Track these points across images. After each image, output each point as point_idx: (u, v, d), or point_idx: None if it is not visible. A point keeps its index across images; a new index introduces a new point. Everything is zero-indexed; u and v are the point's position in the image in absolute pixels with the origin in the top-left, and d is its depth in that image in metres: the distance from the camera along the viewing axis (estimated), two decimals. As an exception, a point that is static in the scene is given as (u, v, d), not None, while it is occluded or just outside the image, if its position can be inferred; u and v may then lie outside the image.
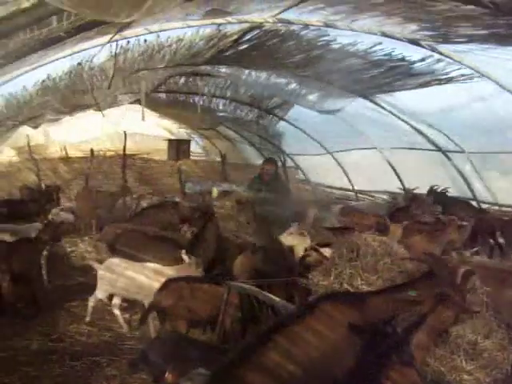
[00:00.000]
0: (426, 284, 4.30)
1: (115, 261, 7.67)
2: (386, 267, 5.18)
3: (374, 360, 3.56)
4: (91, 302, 7.68)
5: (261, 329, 4.03)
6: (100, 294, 7.62)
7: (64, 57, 8.60)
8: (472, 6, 7.08)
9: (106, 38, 8.14)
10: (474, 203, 12.93)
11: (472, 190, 13.15)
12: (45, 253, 9.48)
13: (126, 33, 8.48)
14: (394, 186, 14.69)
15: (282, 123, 17.02)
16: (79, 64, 9.61)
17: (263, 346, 3.66)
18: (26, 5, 3.45)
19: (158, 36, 9.37)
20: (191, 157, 21.59)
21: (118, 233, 8.83)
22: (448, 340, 4.50)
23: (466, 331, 4.69)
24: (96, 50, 9.01)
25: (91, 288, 8.16)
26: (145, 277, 7.16)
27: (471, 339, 4.68)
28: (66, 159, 19.85)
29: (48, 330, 7.44)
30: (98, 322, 7.84)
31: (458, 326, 4.65)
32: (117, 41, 8.84)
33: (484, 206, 12.92)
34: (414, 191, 13.09)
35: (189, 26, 9.13)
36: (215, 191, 14.99)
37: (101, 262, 8.12)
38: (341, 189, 17.14)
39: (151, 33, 8.98)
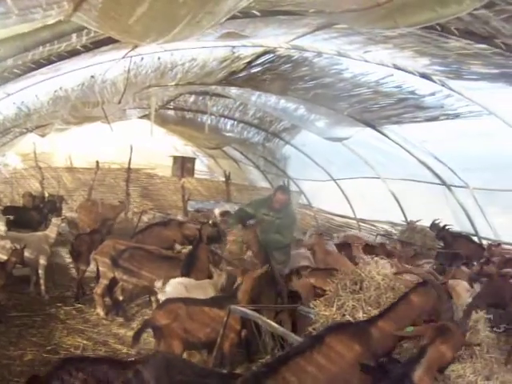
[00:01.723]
0: (408, 311, 4.33)
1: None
2: (389, 301, 5.16)
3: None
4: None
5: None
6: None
7: (78, 69, 8.67)
8: (484, 45, 7.16)
9: (121, 53, 8.20)
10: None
11: (474, 226, 13.15)
12: (42, 262, 9.54)
13: (141, 49, 8.54)
14: (397, 217, 14.74)
15: (288, 147, 17.08)
16: (92, 77, 9.67)
17: (269, 377, 3.65)
18: (51, 21, 3.48)
19: (172, 54, 9.45)
20: (195, 175, 21.63)
21: (122, 248, 8.82)
22: (449, 381, 4.48)
23: (466, 371, 4.67)
24: (110, 65, 9.08)
25: (90, 299, 8.14)
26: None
27: (471, 380, 4.65)
28: (71, 169, 19.89)
29: (43, 341, 7.41)
30: (94, 336, 7.81)
31: (458, 365, 4.64)
32: (131, 56, 8.91)
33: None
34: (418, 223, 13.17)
35: (203, 47, 9.22)
36: (216, 212, 15.06)
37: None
38: (343, 216, 17.13)
39: (166, 51, 9.06)
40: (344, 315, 5.12)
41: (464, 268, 8.97)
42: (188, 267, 8.17)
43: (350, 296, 5.33)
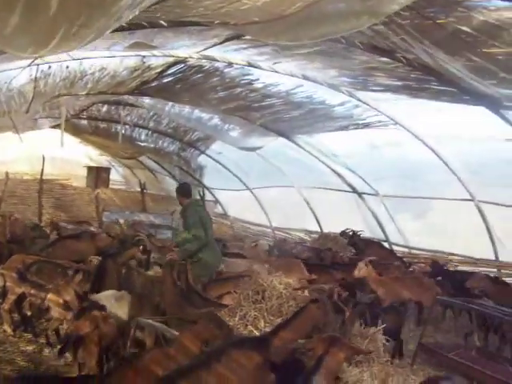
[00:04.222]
0: (307, 321, 4.45)
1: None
2: (291, 310, 5.25)
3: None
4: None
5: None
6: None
7: (-19, 77, 8.41)
8: (386, 59, 7.44)
9: (27, 60, 8.00)
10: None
11: (384, 232, 13.55)
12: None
13: (48, 58, 8.36)
14: (311, 225, 15.00)
15: (203, 157, 17.09)
16: (-4, 85, 9.39)
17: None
18: None
19: (81, 63, 9.29)
20: (111, 185, 21.24)
21: (30, 262, 8.53)
22: (346, 385, 4.62)
23: (364, 375, 4.81)
24: (16, 72, 8.83)
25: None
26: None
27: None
28: (-23, 180, 19.10)
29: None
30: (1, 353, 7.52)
31: (356, 370, 4.78)
32: (38, 65, 8.70)
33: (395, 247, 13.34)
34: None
35: (113, 56, 9.11)
36: (122, 221, 14.82)
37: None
38: (259, 225, 17.27)
39: (74, 59, 8.90)
40: (246, 325, 5.16)
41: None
42: (98, 281, 8.00)
43: (252, 306, 5.37)
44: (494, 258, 11.34)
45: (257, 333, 5.09)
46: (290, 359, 3.87)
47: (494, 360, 6.89)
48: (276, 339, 4.33)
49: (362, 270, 8.57)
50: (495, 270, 11.41)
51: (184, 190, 8.94)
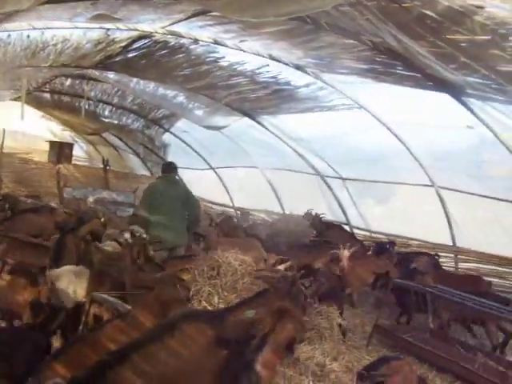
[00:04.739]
0: (264, 301, 4.43)
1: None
2: (246, 287, 5.25)
3: (228, 381, 3.59)
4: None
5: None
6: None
7: None
8: (353, 41, 7.43)
9: (-15, 28, 7.81)
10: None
11: (346, 215, 13.64)
12: None
13: (8, 26, 8.15)
14: (273, 206, 15.02)
15: (168, 135, 16.96)
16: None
17: (119, 364, 3.60)
18: None
19: (43, 33, 9.07)
20: (73, 161, 20.90)
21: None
22: (298, 361, 4.64)
23: (315, 353, 4.85)
24: (-26, 41, 8.62)
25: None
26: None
27: (320, 361, 4.85)
28: None
29: None
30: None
31: (308, 347, 4.82)
32: (-4, 32, 8.49)
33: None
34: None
35: (76, 27, 8.92)
36: (90, 199, 14.61)
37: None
38: (222, 205, 17.23)
39: (35, 29, 8.69)
40: (200, 301, 5.14)
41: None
42: (57, 256, 7.88)
43: (206, 282, 5.36)
44: (451, 244, 11.51)
45: (210, 309, 5.08)
46: (244, 335, 3.85)
47: (445, 341, 7.04)
48: (231, 316, 4.31)
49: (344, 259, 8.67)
50: (452, 255, 11.59)
51: (162, 168, 8.96)
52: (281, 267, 6.34)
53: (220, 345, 3.90)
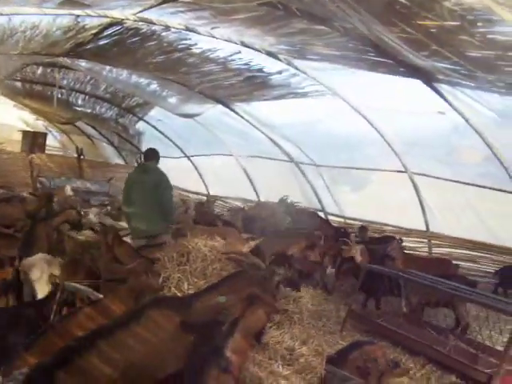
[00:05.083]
0: (232, 285, 4.44)
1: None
2: (215, 273, 5.25)
3: (196, 366, 3.59)
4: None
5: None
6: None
7: None
8: (325, 27, 7.40)
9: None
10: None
11: (321, 202, 13.70)
12: None
13: (-27, 11, 8.00)
14: (248, 194, 15.03)
15: (141, 123, 16.87)
16: None
17: (85, 350, 3.59)
18: None
19: (10, 19, 8.90)
20: (47, 151, 20.67)
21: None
22: (267, 346, 4.65)
23: (284, 338, 4.87)
24: None
25: None
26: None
27: (289, 345, 4.87)
28: None
29: None
30: None
31: (277, 332, 4.84)
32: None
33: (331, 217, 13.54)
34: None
35: (44, 14, 8.76)
36: (68, 189, 14.51)
37: None
38: (197, 193, 17.21)
39: (2, 15, 8.52)
40: (170, 288, 5.13)
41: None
42: (27, 246, 7.80)
43: (176, 268, 5.35)
44: (425, 229, 11.63)
45: (180, 295, 5.06)
46: (211, 320, 3.87)
47: (418, 325, 7.11)
48: (198, 302, 4.32)
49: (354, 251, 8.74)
50: (426, 240, 11.71)
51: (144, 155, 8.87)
52: (245, 248, 6.35)
53: (187, 330, 3.91)
